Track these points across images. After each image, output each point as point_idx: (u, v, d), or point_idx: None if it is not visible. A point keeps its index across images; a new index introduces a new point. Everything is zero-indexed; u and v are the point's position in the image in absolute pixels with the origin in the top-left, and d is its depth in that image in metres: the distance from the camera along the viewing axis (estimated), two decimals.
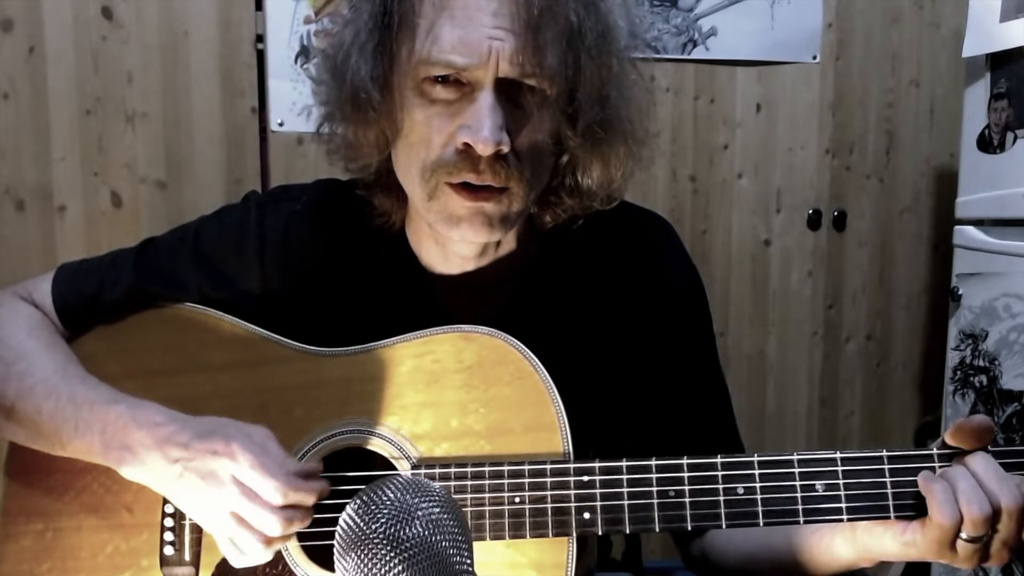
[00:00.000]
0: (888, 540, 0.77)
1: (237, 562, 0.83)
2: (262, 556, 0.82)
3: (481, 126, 0.79)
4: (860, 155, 2.33)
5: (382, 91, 0.85)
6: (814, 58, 2.25)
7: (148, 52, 1.91)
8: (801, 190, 2.30)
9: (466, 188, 0.83)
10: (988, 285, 1.91)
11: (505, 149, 0.81)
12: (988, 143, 1.92)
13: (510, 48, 0.79)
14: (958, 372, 1.99)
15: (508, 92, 0.82)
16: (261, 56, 1.97)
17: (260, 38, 1.97)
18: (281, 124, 1.99)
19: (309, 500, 0.81)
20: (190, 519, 0.88)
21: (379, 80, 0.84)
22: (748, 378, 2.32)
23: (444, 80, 0.82)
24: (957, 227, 2.02)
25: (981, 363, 1.93)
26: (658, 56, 2.15)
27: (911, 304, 2.41)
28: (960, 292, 1.99)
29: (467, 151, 0.81)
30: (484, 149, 0.80)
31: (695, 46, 2.18)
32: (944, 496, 0.73)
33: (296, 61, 1.98)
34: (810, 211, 2.31)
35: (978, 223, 1.97)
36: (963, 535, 0.73)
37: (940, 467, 0.76)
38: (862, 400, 2.41)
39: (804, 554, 0.85)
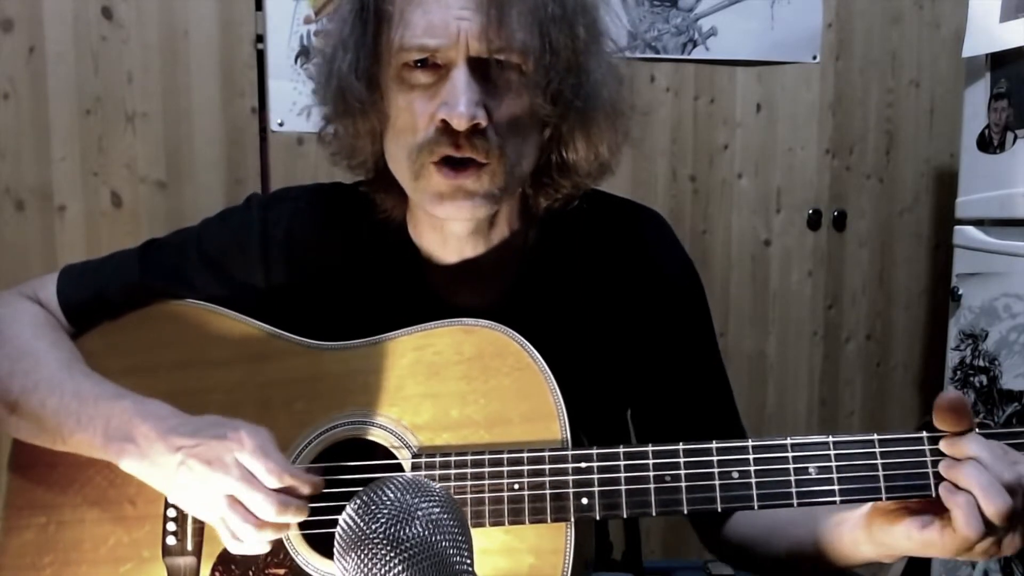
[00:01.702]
0: (904, 539, 0.78)
1: (233, 548, 0.84)
2: (256, 541, 0.83)
3: (457, 102, 0.83)
4: (860, 155, 2.33)
5: (368, 84, 0.88)
6: (814, 58, 2.25)
7: (148, 52, 1.91)
8: (801, 190, 2.30)
9: (448, 165, 0.86)
10: (988, 285, 1.91)
11: (482, 123, 0.84)
12: (988, 143, 1.92)
13: (477, 26, 0.83)
14: (958, 372, 1.99)
15: (483, 70, 0.85)
16: (261, 56, 1.97)
17: (260, 38, 1.97)
18: (281, 124, 1.99)
19: (304, 489, 0.83)
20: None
21: (363, 73, 0.88)
22: (748, 378, 2.32)
23: (422, 65, 0.85)
24: (957, 227, 2.02)
25: (981, 363, 1.93)
26: (658, 56, 2.15)
27: (911, 304, 2.42)
28: (960, 292, 1.99)
29: (446, 127, 0.84)
30: (460, 123, 0.83)
31: (695, 46, 2.18)
32: (969, 510, 0.73)
33: (296, 61, 1.98)
34: (810, 211, 2.31)
35: (978, 223, 1.97)
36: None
37: (931, 449, 0.77)
38: (862, 400, 2.41)
39: (827, 547, 0.86)
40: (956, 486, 0.74)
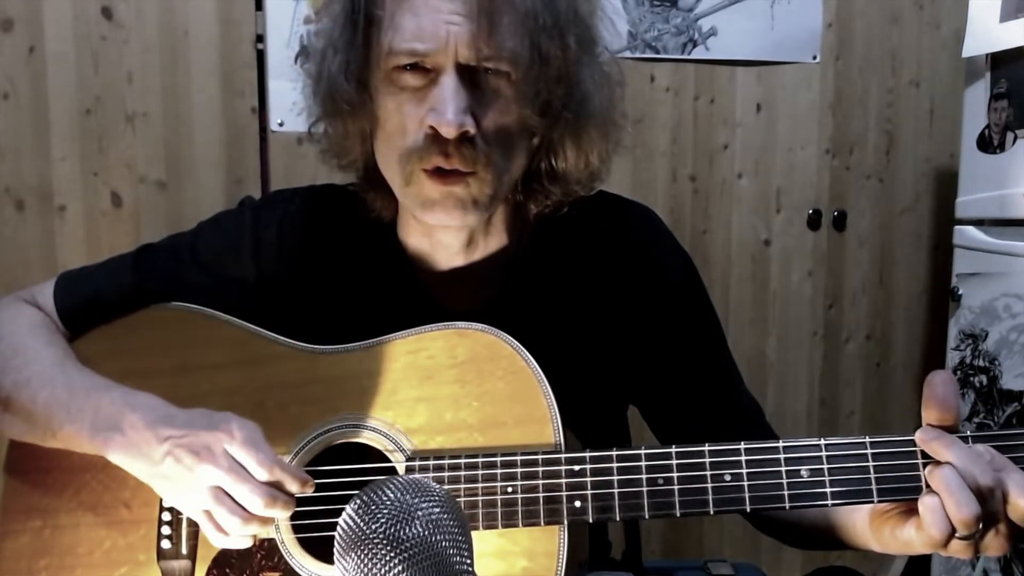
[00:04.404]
0: (891, 537, 0.79)
1: (217, 542, 0.84)
2: (241, 534, 0.83)
3: (445, 109, 0.83)
4: (860, 155, 2.33)
5: (357, 86, 0.88)
6: (814, 58, 2.25)
7: (148, 52, 1.91)
8: (801, 190, 2.30)
9: (437, 173, 0.86)
10: (988, 285, 1.91)
11: (471, 131, 0.84)
12: (988, 143, 1.92)
13: (467, 33, 0.83)
14: (958, 372, 1.99)
15: (472, 77, 0.85)
16: (261, 56, 1.97)
17: (260, 38, 1.97)
18: (281, 124, 1.99)
19: (292, 486, 0.82)
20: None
21: (352, 75, 0.88)
22: (748, 378, 2.29)
23: (412, 68, 0.85)
24: (957, 227, 2.02)
25: (981, 363, 1.93)
26: (658, 56, 2.15)
27: (911, 304, 2.41)
28: (960, 292, 1.99)
29: (435, 134, 0.84)
30: (448, 131, 0.83)
31: (695, 46, 2.18)
32: (935, 512, 0.73)
33: (296, 61, 1.97)
34: (810, 211, 2.31)
35: (978, 223, 1.97)
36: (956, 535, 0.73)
37: (922, 451, 0.77)
38: (862, 400, 2.41)
39: (848, 534, 0.87)
40: (930, 488, 0.75)
